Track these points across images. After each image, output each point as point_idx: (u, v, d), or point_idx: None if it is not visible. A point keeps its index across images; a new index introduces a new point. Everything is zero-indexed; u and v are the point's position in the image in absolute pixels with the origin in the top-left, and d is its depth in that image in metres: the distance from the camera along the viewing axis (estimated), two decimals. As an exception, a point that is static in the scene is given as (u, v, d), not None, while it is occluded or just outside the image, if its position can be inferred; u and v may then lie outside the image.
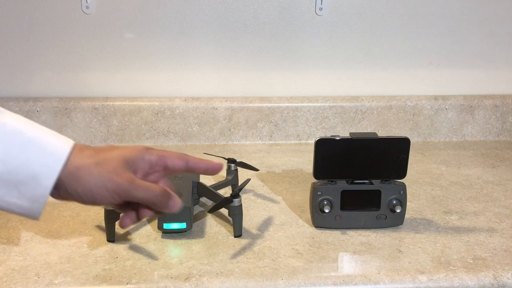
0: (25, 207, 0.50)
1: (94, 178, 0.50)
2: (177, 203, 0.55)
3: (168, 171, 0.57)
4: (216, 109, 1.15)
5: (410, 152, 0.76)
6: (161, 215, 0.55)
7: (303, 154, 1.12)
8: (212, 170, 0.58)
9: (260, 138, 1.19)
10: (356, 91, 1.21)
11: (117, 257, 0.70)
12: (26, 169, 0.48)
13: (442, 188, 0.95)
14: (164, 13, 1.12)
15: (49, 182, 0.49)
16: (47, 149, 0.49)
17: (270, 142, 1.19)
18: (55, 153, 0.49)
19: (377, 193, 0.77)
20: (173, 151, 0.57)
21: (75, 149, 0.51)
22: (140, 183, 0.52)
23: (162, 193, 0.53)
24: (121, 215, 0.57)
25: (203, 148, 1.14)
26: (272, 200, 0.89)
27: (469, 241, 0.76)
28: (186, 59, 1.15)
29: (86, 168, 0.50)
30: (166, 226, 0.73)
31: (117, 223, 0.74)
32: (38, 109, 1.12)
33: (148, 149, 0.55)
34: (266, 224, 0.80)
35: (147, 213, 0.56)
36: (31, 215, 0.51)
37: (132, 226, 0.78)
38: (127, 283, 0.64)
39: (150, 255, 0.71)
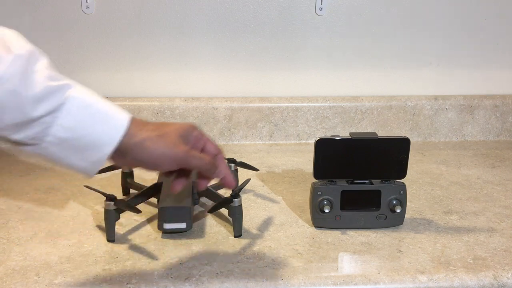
0: (84, 167, 0.59)
1: (159, 148, 0.59)
2: (221, 172, 0.64)
3: (203, 152, 0.66)
4: (216, 109, 1.15)
5: (410, 152, 0.76)
6: (208, 180, 0.65)
7: (303, 154, 1.12)
8: (226, 183, 0.66)
9: (260, 138, 1.19)
10: (356, 91, 1.21)
11: (117, 257, 0.70)
12: (91, 137, 0.57)
13: (442, 188, 0.95)
14: (164, 13, 1.12)
15: (109, 149, 0.57)
16: (110, 122, 0.58)
17: (270, 142, 1.19)
18: (116, 125, 0.58)
19: (377, 193, 0.77)
20: (210, 138, 0.66)
21: (133, 122, 0.60)
22: (194, 153, 0.62)
23: (211, 162, 0.63)
24: (172, 181, 0.65)
25: (203, 148, 1.14)
26: (272, 200, 0.89)
27: (469, 241, 0.76)
28: (186, 59, 1.15)
29: (151, 140, 0.59)
30: (166, 226, 0.73)
31: (117, 222, 0.74)
32: (38, 109, 1.12)
33: (195, 127, 0.65)
34: (266, 224, 0.80)
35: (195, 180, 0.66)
36: (87, 174, 0.60)
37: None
38: (127, 283, 0.64)
39: (150, 255, 0.71)
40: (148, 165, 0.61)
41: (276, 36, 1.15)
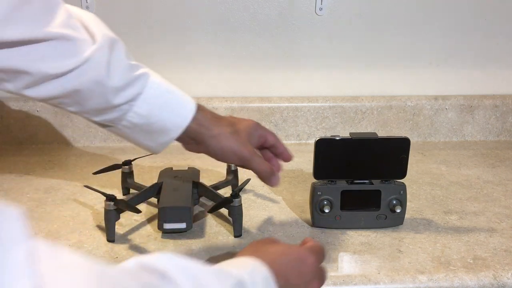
0: (152, 147, 0.67)
1: (231, 145, 0.66)
2: (276, 182, 0.70)
3: (264, 145, 0.73)
4: (216, 109, 1.15)
5: (410, 152, 0.76)
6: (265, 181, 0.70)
7: (303, 154, 1.12)
8: (286, 157, 0.74)
9: (260, 138, 1.18)
10: (356, 91, 1.21)
11: (117, 257, 0.70)
12: (160, 124, 0.64)
13: (442, 188, 0.95)
14: (164, 13, 1.12)
15: (175, 134, 0.65)
16: (178, 110, 0.65)
17: (270, 142, 1.19)
18: (183, 114, 0.65)
19: (377, 193, 0.77)
20: (268, 130, 0.73)
21: (201, 111, 0.66)
22: (257, 157, 0.68)
23: (270, 170, 0.69)
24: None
25: (203, 148, 1.14)
26: (272, 200, 0.89)
27: (469, 241, 0.76)
28: (186, 59, 1.15)
29: (225, 136, 0.66)
30: (166, 226, 0.73)
31: (117, 222, 0.74)
32: (38, 109, 1.12)
33: (259, 125, 0.72)
34: (266, 224, 0.80)
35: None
36: (154, 152, 0.68)
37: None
38: (127, 283, 0.64)
39: (150, 255, 0.71)
40: (217, 156, 0.68)
41: (276, 36, 1.15)
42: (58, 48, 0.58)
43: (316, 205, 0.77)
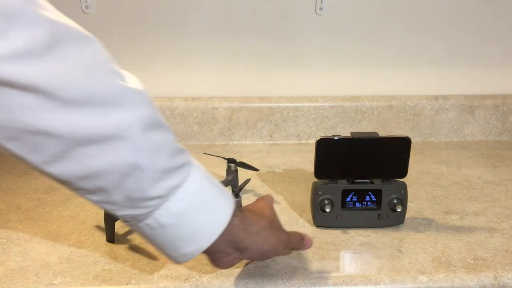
0: (174, 256, 0.53)
1: (274, 234, 0.59)
2: (309, 244, 0.65)
3: None
4: (216, 109, 1.15)
5: (411, 152, 0.76)
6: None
7: (303, 154, 1.12)
8: (307, 245, 0.66)
9: (260, 138, 1.18)
10: (356, 91, 1.20)
11: (117, 257, 0.70)
12: (191, 228, 0.51)
13: (442, 188, 0.95)
14: (164, 13, 1.12)
15: (206, 243, 0.52)
16: (214, 212, 0.52)
17: (270, 142, 1.19)
18: (219, 218, 0.52)
19: (378, 193, 0.77)
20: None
21: (236, 214, 0.55)
22: (292, 233, 0.63)
23: (302, 236, 0.65)
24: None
25: (203, 148, 1.14)
26: (272, 200, 0.89)
27: (469, 241, 0.76)
28: (186, 59, 1.15)
29: (267, 230, 0.58)
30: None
31: (117, 222, 0.74)
32: (37, 109, 1.12)
33: (273, 199, 0.66)
34: (266, 224, 0.80)
35: None
36: (175, 261, 0.54)
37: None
38: (126, 283, 0.64)
39: (150, 255, 0.71)
40: (267, 256, 0.59)
41: (276, 36, 1.15)
42: None
43: (317, 205, 0.77)
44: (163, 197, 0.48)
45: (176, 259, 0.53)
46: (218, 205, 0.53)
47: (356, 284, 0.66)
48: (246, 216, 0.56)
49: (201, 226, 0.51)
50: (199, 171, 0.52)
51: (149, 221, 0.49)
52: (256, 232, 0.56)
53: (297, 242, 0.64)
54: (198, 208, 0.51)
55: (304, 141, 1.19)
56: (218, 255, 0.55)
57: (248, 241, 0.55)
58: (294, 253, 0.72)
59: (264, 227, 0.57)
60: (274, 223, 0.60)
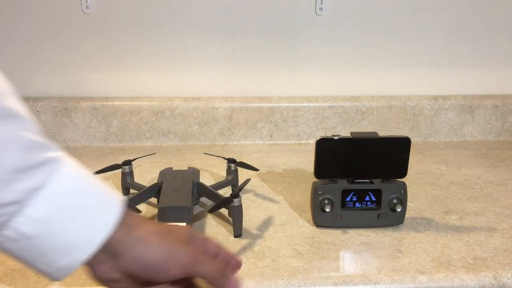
0: (48, 272, 0.44)
1: (167, 245, 0.46)
2: (235, 284, 0.49)
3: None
4: (216, 109, 1.15)
5: (410, 152, 0.76)
6: None
7: (303, 154, 1.12)
8: (235, 264, 0.53)
9: (260, 138, 1.19)
10: (356, 91, 1.21)
11: (117, 257, 0.70)
12: (62, 237, 0.42)
13: (442, 188, 0.95)
14: (164, 13, 1.12)
15: (84, 255, 0.43)
16: (94, 218, 0.43)
17: (270, 142, 1.19)
18: (100, 224, 0.43)
19: (378, 192, 0.77)
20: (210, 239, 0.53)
21: (126, 216, 0.45)
22: (204, 257, 0.48)
23: (222, 270, 0.48)
24: None
25: (203, 148, 1.14)
26: (272, 200, 0.89)
27: (469, 241, 0.76)
28: (186, 59, 1.15)
29: (157, 234, 0.46)
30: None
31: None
32: (38, 109, 1.12)
33: (193, 230, 0.52)
34: (266, 224, 0.80)
35: None
36: (52, 279, 0.45)
37: None
38: (127, 283, 0.64)
39: (150, 255, 0.70)
40: (148, 269, 0.45)
41: (276, 36, 1.15)
42: None
43: (317, 205, 0.77)
44: (19, 202, 0.40)
45: (52, 276, 0.44)
46: (98, 209, 0.44)
47: (356, 284, 0.66)
48: (131, 217, 0.46)
49: (77, 234, 0.42)
50: (70, 170, 0.43)
51: (7, 232, 0.41)
52: (138, 236, 0.45)
53: (212, 269, 0.47)
54: (70, 213, 0.42)
55: (304, 141, 1.19)
56: (93, 263, 0.45)
57: (123, 245, 0.44)
58: (294, 253, 0.72)
59: (153, 231, 0.46)
60: (173, 233, 0.47)
